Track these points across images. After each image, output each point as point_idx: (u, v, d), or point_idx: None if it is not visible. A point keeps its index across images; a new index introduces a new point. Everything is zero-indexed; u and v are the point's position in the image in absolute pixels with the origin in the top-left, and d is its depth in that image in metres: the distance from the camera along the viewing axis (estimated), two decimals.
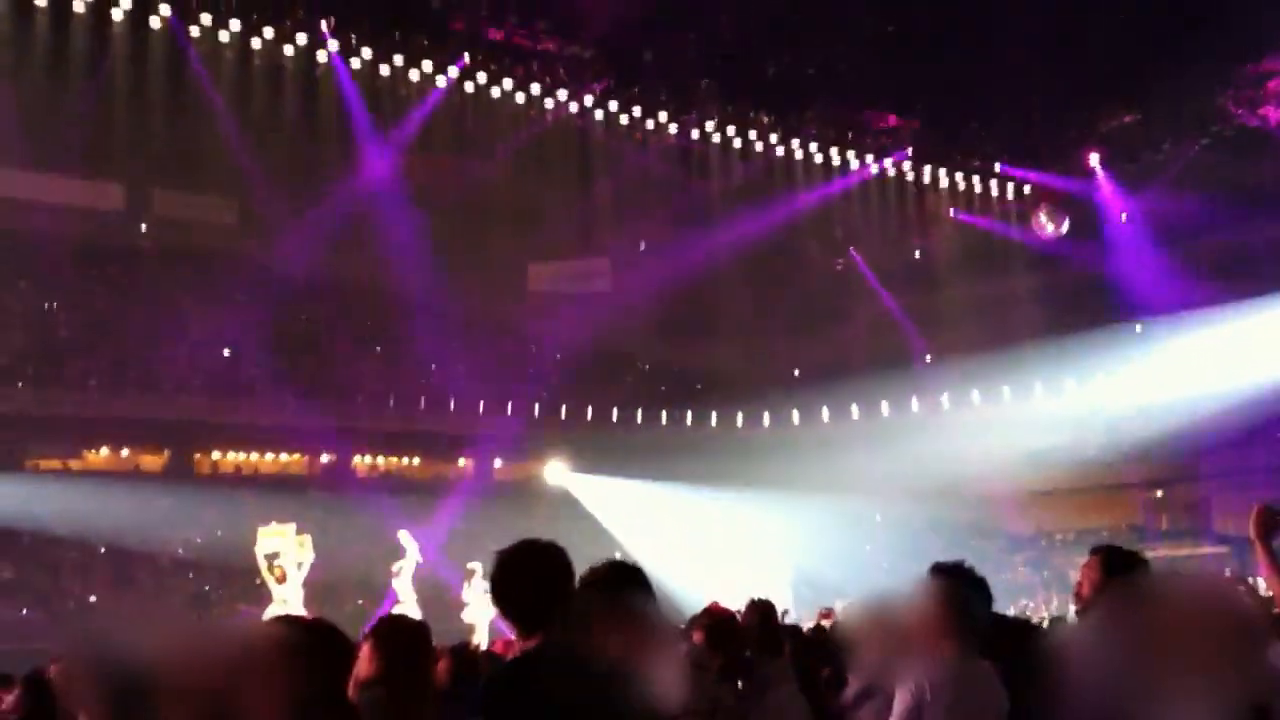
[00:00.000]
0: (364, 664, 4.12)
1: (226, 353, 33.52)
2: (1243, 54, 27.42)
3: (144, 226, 34.98)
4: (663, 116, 28.43)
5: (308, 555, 20.46)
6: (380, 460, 36.99)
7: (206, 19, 23.02)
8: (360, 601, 26.03)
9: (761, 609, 6.67)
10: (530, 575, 3.43)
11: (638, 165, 30.94)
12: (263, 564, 19.82)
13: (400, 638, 4.25)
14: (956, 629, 4.19)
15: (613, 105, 27.53)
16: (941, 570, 4.30)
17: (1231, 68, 28.12)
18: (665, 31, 26.46)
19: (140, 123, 28.42)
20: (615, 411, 36.69)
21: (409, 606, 21.01)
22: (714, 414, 37.16)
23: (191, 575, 30.42)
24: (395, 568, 21.55)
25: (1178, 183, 31.27)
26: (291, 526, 20.35)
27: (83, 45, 24.64)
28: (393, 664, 4.12)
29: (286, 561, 19.77)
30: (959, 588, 4.26)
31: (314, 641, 2.84)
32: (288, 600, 19.04)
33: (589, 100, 27.28)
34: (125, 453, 33.86)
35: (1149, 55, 26.55)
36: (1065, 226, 32.23)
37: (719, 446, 34.81)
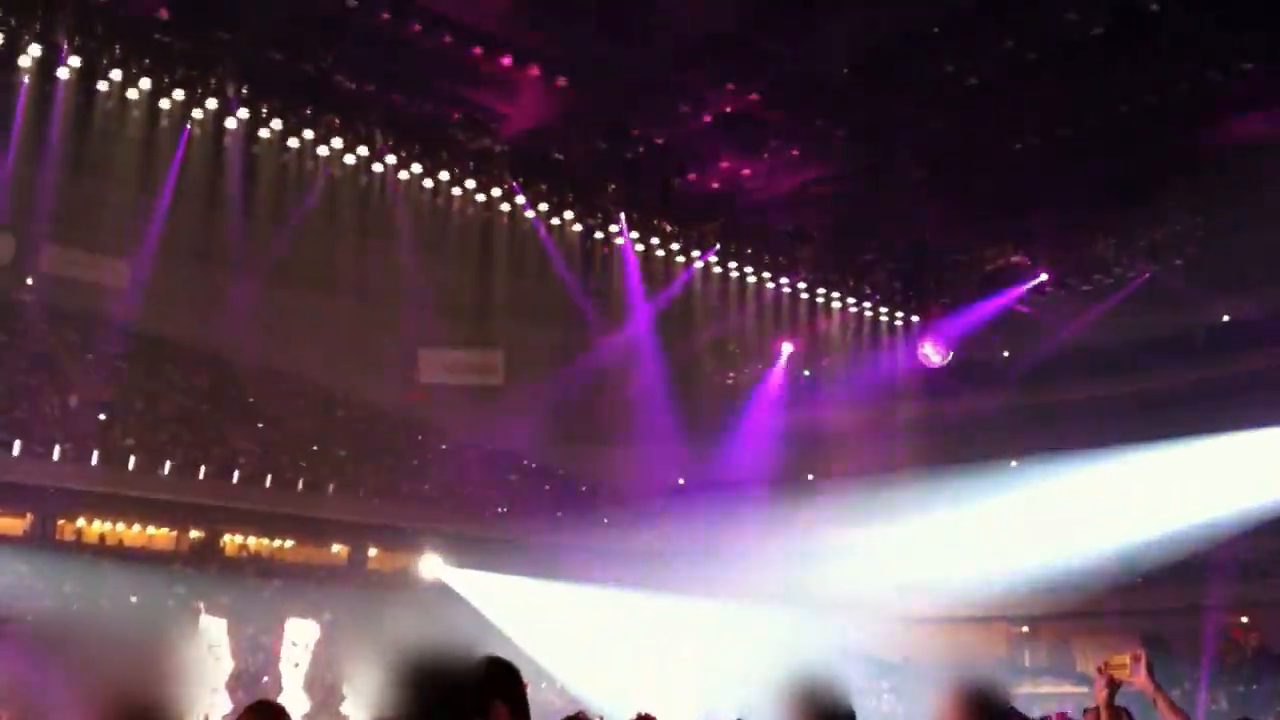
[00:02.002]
0: None
1: (102, 417, 32.65)
2: (1128, 205, 28.72)
3: (29, 280, 34.15)
4: (567, 215, 28.81)
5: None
6: (251, 540, 36.04)
7: (116, 74, 22.83)
8: (215, 689, 25.18)
9: None
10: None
11: (539, 262, 31.18)
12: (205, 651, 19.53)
13: None
14: None
15: (519, 200, 27.85)
16: (806, 690, 4.23)
17: (1114, 219, 29.45)
18: (574, 133, 27.00)
19: (39, 175, 27.93)
20: (496, 508, 36.39)
21: (296, 694, 20.47)
22: (595, 517, 36.99)
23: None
24: (284, 654, 21.05)
25: (1058, 324, 32.50)
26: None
27: None
28: None
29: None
30: (824, 709, 4.19)
31: None
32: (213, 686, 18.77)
33: (496, 193, 27.56)
34: None
35: (1040, 199, 27.73)
36: (949, 359, 33.13)
37: (599, 549, 34.62)
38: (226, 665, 20.06)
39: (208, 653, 20.05)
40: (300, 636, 22.23)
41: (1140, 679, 4.46)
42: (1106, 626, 33.87)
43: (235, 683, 23.72)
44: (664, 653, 28.54)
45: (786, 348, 36.89)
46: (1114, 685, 4.64)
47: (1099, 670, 4.62)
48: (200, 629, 19.99)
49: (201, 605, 20.43)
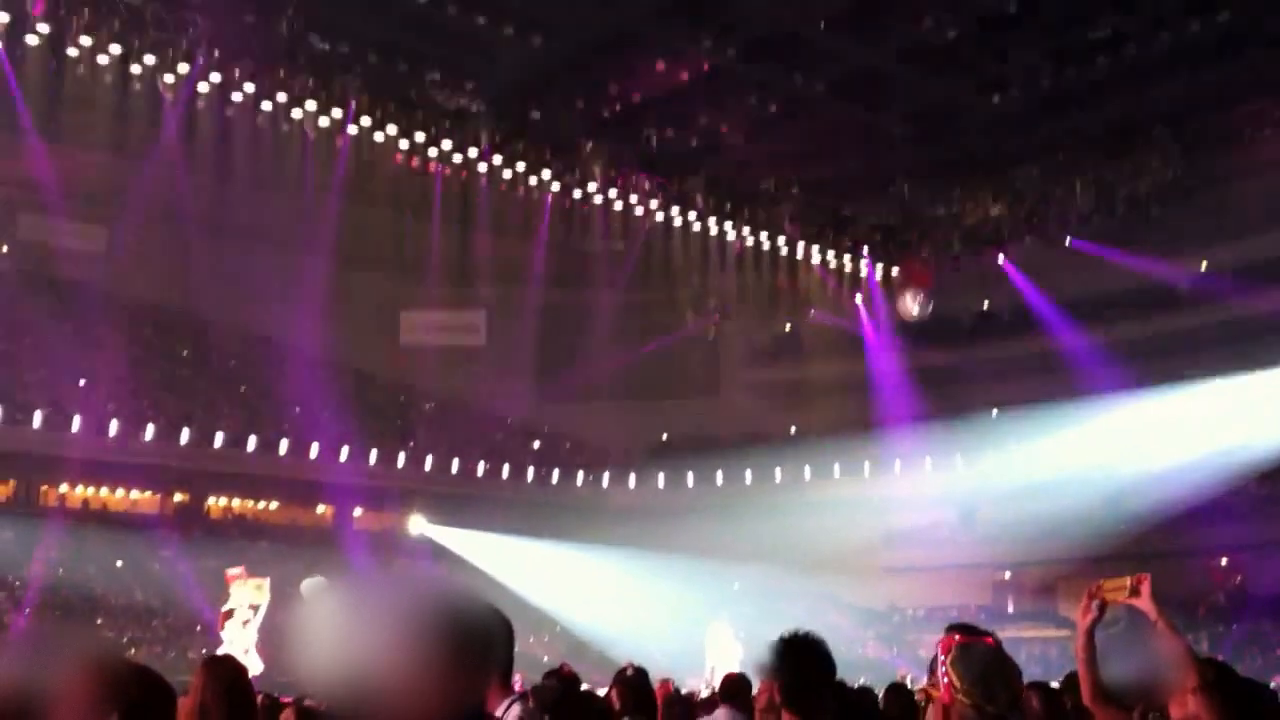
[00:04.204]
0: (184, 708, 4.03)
1: (82, 383, 32.50)
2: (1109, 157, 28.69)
3: (5, 248, 33.89)
4: (546, 174, 28.59)
5: (265, 598, 20.05)
6: (235, 503, 36.06)
7: (86, 40, 22.52)
8: (205, 650, 25.24)
9: (628, 680, 6.63)
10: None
11: (519, 221, 31.02)
12: (239, 611, 19.45)
13: (219, 677, 4.18)
14: (795, 698, 4.24)
15: (497, 160, 27.60)
16: (784, 640, 4.33)
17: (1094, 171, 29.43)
18: (553, 92, 26.76)
19: (10, 142, 27.65)
20: (481, 466, 36.46)
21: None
22: (580, 474, 37.11)
23: (28, 611, 29.20)
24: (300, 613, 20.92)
25: (1038, 276, 32.56)
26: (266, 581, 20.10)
27: None
28: (210, 704, 4.05)
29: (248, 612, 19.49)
30: (798, 657, 4.29)
31: (130, 687, 2.67)
32: (244, 647, 18.72)
33: (473, 153, 27.30)
34: None
35: (1020, 151, 27.66)
36: (929, 309, 33.13)
37: (583, 506, 34.76)
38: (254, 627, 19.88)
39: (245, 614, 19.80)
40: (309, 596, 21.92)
41: (1144, 601, 4.44)
42: (1089, 572, 34.04)
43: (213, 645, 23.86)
44: (653, 609, 28.70)
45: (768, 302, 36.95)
46: (1103, 609, 4.58)
47: (1090, 593, 4.56)
48: (233, 592, 19.81)
49: (240, 569, 20.23)
